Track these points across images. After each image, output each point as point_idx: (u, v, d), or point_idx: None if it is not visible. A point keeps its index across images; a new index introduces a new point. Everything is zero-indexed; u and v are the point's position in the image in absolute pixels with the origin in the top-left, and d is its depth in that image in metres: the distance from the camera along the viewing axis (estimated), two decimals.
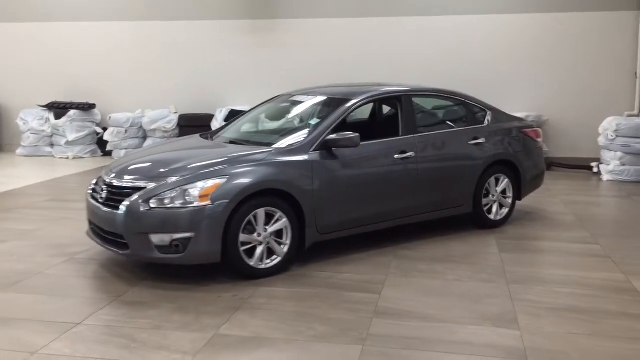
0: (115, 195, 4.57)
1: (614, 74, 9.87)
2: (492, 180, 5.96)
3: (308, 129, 5.12)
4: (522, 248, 5.45)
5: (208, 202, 4.29)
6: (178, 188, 4.35)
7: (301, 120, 5.74)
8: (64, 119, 11.07)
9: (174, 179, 4.42)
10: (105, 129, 11.20)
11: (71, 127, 11.05)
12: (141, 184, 4.50)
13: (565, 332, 3.67)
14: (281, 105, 6.04)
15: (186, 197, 4.31)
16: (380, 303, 4.11)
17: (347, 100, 5.31)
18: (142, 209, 4.32)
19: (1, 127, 11.99)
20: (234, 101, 10.91)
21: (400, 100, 5.56)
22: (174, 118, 10.91)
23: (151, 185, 4.43)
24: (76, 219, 6.28)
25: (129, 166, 4.85)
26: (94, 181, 5.05)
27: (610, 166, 9.00)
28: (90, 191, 4.97)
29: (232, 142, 5.29)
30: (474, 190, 5.80)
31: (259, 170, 4.54)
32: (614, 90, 9.89)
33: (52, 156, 11.25)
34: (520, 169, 6.12)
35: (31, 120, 11.26)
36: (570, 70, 10.01)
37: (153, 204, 4.32)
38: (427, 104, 6.09)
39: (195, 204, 4.29)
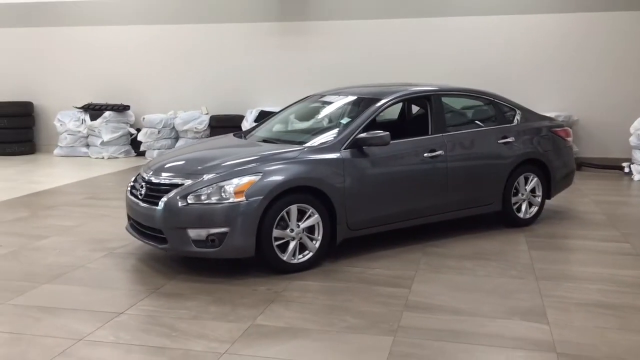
0: (154, 191, 4.75)
1: None
2: (522, 179, 5.99)
3: (339, 128, 5.24)
4: (552, 246, 5.48)
5: (243, 199, 4.44)
6: (214, 185, 4.50)
7: (332, 120, 5.87)
8: (99, 120, 11.38)
9: (210, 176, 4.58)
10: (138, 130, 11.48)
11: (106, 128, 11.36)
12: (178, 180, 4.67)
13: (594, 326, 3.72)
14: (312, 105, 6.17)
15: (222, 194, 4.47)
16: (411, 297, 4.21)
17: (377, 100, 5.41)
18: (179, 204, 4.49)
19: (39, 128, 12.37)
20: (263, 102, 11.10)
21: (429, 99, 5.64)
22: (206, 119, 11.14)
23: (188, 182, 4.60)
24: (114, 216, 6.51)
25: (167, 164, 5.03)
26: (133, 178, 5.24)
27: None
28: (130, 188, 5.16)
29: (264, 141, 5.44)
30: (503, 188, 5.85)
31: (291, 167, 4.67)
32: None
33: (88, 156, 11.58)
34: (549, 167, 6.14)
35: (68, 122, 11.60)
36: (599, 69, 9.96)
37: (190, 199, 4.49)
38: (457, 103, 6.16)
39: (231, 200, 4.44)
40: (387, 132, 4.97)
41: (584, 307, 4.03)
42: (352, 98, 5.82)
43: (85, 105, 11.71)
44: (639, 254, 5.21)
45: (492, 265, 4.90)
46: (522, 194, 6.02)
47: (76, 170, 10.01)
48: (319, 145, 4.98)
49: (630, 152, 9.43)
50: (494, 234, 5.81)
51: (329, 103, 6.04)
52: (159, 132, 11.21)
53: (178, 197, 4.52)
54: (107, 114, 11.39)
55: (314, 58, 10.96)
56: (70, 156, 11.64)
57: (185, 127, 11.09)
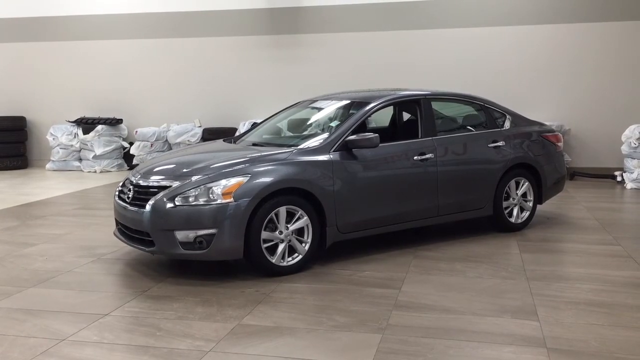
0: (142, 194, 4.71)
1: (635, 82, 9.85)
2: (513, 183, 5.98)
3: (329, 131, 5.23)
4: (544, 249, 5.45)
5: (231, 200, 4.40)
6: (202, 186, 4.47)
7: (322, 123, 5.86)
8: (92, 134, 11.36)
9: (197, 177, 4.55)
10: (131, 144, 11.46)
11: (99, 141, 11.34)
12: (166, 183, 4.64)
13: (584, 323, 3.68)
14: (303, 109, 6.17)
15: (210, 195, 4.43)
16: (400, 297, 4.16)
17: (367, 103, 5.41)
18: (167, 206, 4.45)
19: (32, 142, 12.34)
20: (256, 114, 11.09)
21: (419, 103, 5.64)
22: (199, 131, 11.13)
23: (176, 184, 4.57)
24: (104, 225, 6.46)
25: (155, 167, 4.99)
26: (121, 183, 5.21)
27: (634, 174, 8.93)
28: (117, 192, 5.12)
29: (255, 145, 5.41)
30: (494, 192, 5.83)
31: (280, 169, 4.64)
32: (635, 99, 9.86)
33: (80, 170, 11.53)
34: (540, 172, 6.13)
35: (60, 136, 11.57)
36: (591, 79, 10.02)
37: (178, 201, 4.45)
38: (447, 107, 6.17)
39: (219, 202, 4.40)
40: (376, 134, 4.95)
41: (575, 305, 3.99)
42: (342, 102, 5.83)
43: (78, 119, 11.70)
44: (631, 256, 5.18)
45: (483, 267, 4.86)
46: (514, 199, 6.00)
47: (68, 183, 9.95)
48: (308, 147, 4.95)
49: (622, 161, 9.44)
50: (486, 238, 5.78)
51: (320, 108, 6.04)
52: (151, 145, 11.19)
53: (165, 199, 4.49)
54: (99, 127, 11.37)
55: (306, 70, 11.00)
56: (63, 170, 11.59)
57: (178, 140, 11.08)
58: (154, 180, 4.74)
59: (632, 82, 9.87)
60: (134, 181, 4.87)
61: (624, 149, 9.22)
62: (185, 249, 4.45)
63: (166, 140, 11.30)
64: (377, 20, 10.69)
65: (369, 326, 3.65)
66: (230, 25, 11.31)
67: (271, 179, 4.55)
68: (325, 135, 5.16)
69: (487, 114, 6.11)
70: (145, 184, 4.76)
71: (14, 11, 12.20)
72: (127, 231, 4.87)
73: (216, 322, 3.74)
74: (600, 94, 9.99)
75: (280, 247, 4.60)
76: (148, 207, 4.54)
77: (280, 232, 4.59)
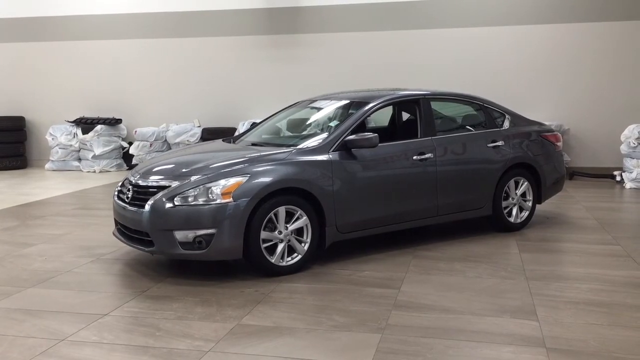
0: (141, 194, 4.71)
1: (634, 82, 9.86)
2: (512, 183, 5.98)
3: (328, 131, 5.23)
4: (543, 249, 5.45)
5: (230, 200, 4.40)
6: (201, 186, 4.46)
7: (322, 123, 5.87)
8: (91, 134, 11.36)
9: (196, 177, 4.55)
10: (130, 143, 11.46)
11: (98, 141, 11.33)
12: (165, 183, 4.63)
13: (583, 322, 3.68)
14: (302, 109, 6.17)
15: (209, 195, 4.43)
16: (400, 297, 4.17)
17: (367, 103, 5.41)
18: (166, 206, 4.45)
19: (31, 143, 12.34)
20: (255, 114, 11.10)
21: (418, 103, 5.64)
22: (198, 131, 11.13)
23: (175, 183, 4.57)
24: (103, 224, 6.46)
25: (154, 167, 4.99)
26: (120, 183, 5.21)
27: (633, 174, 8.94)
28: (117, 192, 5.12)
29: (254, 145, 5.41)
30: (493, 192, 5.83)
31: (279, 169, 4.64)
32: (634, 99, 9.86)
33: (80, 170, 11.53)
34: (539, 172, 6.14)
35: (59, 136, 11.57)
36: (590, 79, 10.02)
37: (177, 201, 4.44)
38: (446, 107, 6.17)
39: (218, 202, 4.40)
40: (376, 134, 4.95)
41: (574, 304, 3.99)
42: (341, 102, 5.83)
43: (77, 119, 11.70)
44: (630, 255, 5.18)
45: (482, 267, 4.86)
46: (513, 198, 6.01)
47: (67, 183, 9.95)
48: (307, 147, 4.95)
49: (621, 160, 9.45)
50: (485, 238, 5.78)
51: (319, 107, 6.04)
52: (150, 145, 11.20)
53: (165, 199, 4.48)
54: (99, 127, 11.37)
55: (305, 70, 11.00)
56: (62, 170, 11.58)
57: (177, 140, 11.07)
58: (153, 180, 4.74)
59: (630, 82, 9.87)
60: (133, 181, 4.87)
61: (623, 148, 9.23)
62: (184, 249, 4.45)
63: (165, 140, 11.31)
64: (376, 20, 10.69)
65: (368, 326, 3.65)
66: (229, 25, 11.31)
67: (270, 178, 4.55)
68: (325, 135, 5.16)
69: (486, 113, 6.12)
70: (144, 184, 4.76)
71: (14, 11, 12.19)
72: (127, 231, 4.87)
73: (215, 322, 3.74)
74: (599, 93, 10.00)
75: (280, 247, 4.60)
76: (147, 207, 4.54)
77: (280, 232, 4.59)
